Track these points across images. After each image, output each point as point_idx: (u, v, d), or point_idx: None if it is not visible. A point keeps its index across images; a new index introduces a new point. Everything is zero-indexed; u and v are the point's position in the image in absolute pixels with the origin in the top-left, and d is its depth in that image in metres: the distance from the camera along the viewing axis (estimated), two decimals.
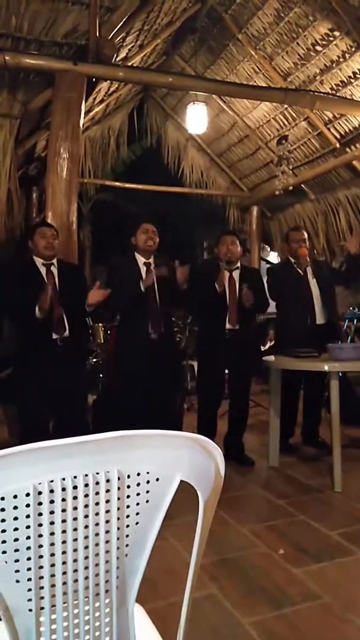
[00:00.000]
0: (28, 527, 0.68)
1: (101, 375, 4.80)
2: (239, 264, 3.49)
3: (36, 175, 5.66)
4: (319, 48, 4.73)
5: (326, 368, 2.97)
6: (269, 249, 8.39)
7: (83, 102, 3.85)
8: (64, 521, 0.70)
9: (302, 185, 6.34)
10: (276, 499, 2.85)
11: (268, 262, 8.22)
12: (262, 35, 5.02)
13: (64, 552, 0.72)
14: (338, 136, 5.48)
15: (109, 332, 5.18)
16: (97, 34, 3.76)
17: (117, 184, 7.18)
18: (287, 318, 3.70)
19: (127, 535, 0.76)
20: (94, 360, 5.02)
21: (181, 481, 0.78)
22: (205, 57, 5.79)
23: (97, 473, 0.71)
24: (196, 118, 5.57)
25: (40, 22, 3.79)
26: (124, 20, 3.95)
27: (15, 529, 0.68)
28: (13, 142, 4.42)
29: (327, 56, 4.74)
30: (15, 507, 0.67)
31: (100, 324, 5.25)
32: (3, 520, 0.67)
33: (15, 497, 0.66)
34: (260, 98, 5.20)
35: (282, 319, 3.84)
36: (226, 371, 3.56)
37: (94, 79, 4.07)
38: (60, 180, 3.73)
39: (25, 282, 3.00)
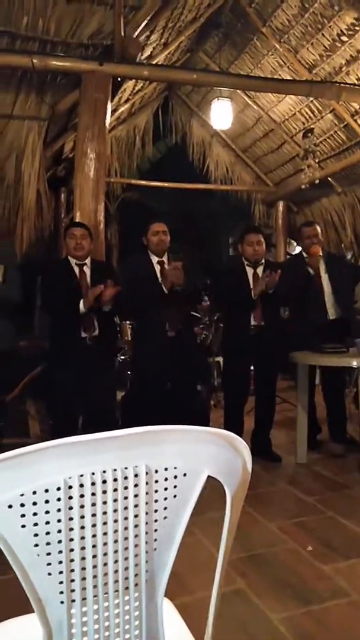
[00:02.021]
0: (59, 520, 0.70)
1: (129, 372, 4.84)
2: (263, 260, 3.46)
3: (64, 176, 5.74)
4: (344, 38, 4.64)
5: (354, 364, 2.93)
6: (295, 243, 8.30)
7: (109, 102, 3.89)
8: (93, 515, 0.72)
9: (329, 179, 6.24)
10: (304, 496, 2.83)
11: (292, 256, 8.13)
12: (287, 28, 4.95)
13: (94, 546, 0.74)
14: None
15: (132, 330, 5.21)
16: (122, 34, 3.78)
17: (143, 182, 7.22)
18: (299, 314, 3.63)
19: (155, 530, 0.78)
20: (122, 357, 5.07)
21: (209, 477, 0.79)
22: (230, 52, 5.76)
23: (126, 468, 0.72)
24: (221, 114, 5.55)
25: (66, 24, 3.84)
26: (148, 18, 3.97)
27: (47, 523, 0.70)
28: (41, 144, 4.49)
29: (353, 46, 4.65)
30: (47, 501, 0.69)
31: (128, 322, 5.30)
32: (35, 514, 0.69)
33: (46, 491, 0.68)
34: (285, 91, 5.15)
35: (295, 316, 3.78)
36: (252, 367, 3.55)
37: (119, 79, 4.11)
38: (87, 180, 3.77)
39: (59, 281, 3.07)
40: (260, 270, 3.41)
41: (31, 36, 3.82)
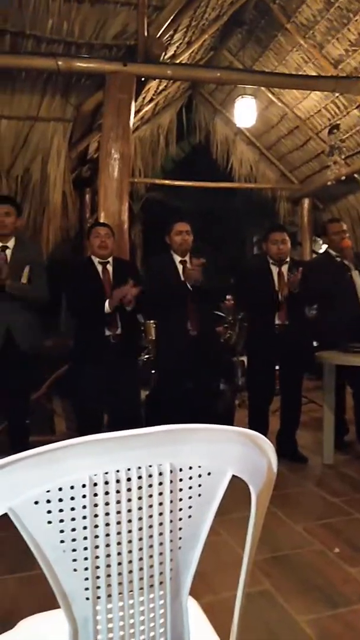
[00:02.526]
0: (84, 517, 0.71)
1: (153, 372, 4.86)
2: (288, 259, 3.43)
3: (89, 177, 5.79)
4: None
5: None
6: (321, 241, 8.19)
7: (133, 102, 3.91)
8: (118, 512, 0.72)
9: (355, 175, 6.13)
10: (331, 497, 2.79)
11: (319, 254, 8.03)
12: (311, 23, 4.89)
13: (118, 543, 0.74)
14: None
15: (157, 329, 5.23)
16: (146, 34, 3.80)
17: (167, 182, 7.23)
18: (329, 312, 3.57)
19: (180, 528, 0.77)
20: (146, 356, 5.09)
21: (234, 477, 0.78)
22: (254, 50, 5.72)
23: (150, 466, 0.72)
24: (245, 112, 5.51)
25: (90, 26, 3.87)
26: (171, 18, 3.97)
27: (72, 519, 0.70)
28: (67, 145, 4.54)
29: None
30: (72, 498, 0.69)
31: (152, 321, 5.32)
32: (61, 511, 0.69)
33: (72, 487, 0.69)
34: (310, 88, 5.09)
35: (324, 313, 3.72)
36: (277, 367, 3.51)
37: (143, 79, 4.12)
38: (112, 180, 3.80)
39: (82, 280, 3.11)
40: (285, 268, 3.38)
41: (56, 39, 3.87)
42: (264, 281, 3.35)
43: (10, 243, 3.00)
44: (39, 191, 4.60)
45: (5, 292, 2.85)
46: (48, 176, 4.55)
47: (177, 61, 5.09)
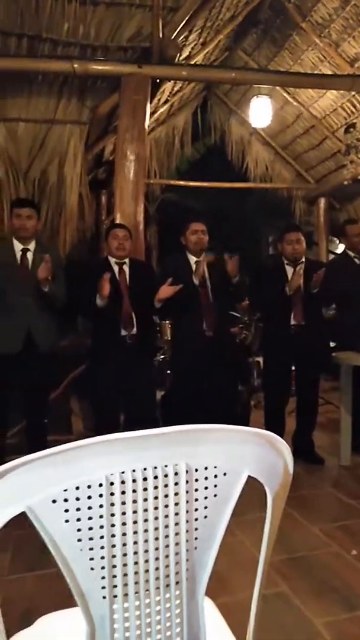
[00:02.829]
0: (101, 516, 0.72)
1: (168, 372, 4.87)
2: (303, 258, 3.41)
3: (105, 179, 5.82)
4: None
5: None
6: (337, 241, 8.11)
7: (148, 103, 3.92)
8: (134, 512, 0.73)
9: None
10: (348, 499, 2.77)
11: (337, 254, 7.95)
12: (327, 22, 4.85)
13: (135, 542, 0.75)
14: None
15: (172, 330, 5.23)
16: (161, 35, 3.81)
17: (182, 182, 7.23)
18: (349, 313, 3.54)
19: (196, 529, 0.78)
20: (162, 357, 5.10)
21: (250, 477, 0.78)
22: (269, 49, 5.69)
23: (166, 466, 0.73)
24: (260, 111, 5.49)
25: (105, 29, 3.89)
26: (186, 19, 3.97)
27: (89, 518, 0.71)
28: (83, 147, 4.57)
29: None
30: (89, 497, 0.70)
31: (167, 322, 5.33)
32: (78, 509, 0.70)
33: (89, 487, 0.69)
34: (326, 86, 5.05)
35: (344, 314, 3.69)
36: (293, 367, 3.49)
37: (158, 80, 4.13)
38: (127, 182, 3.82)
39: (97, 280, 3.13)
40: (300, 268, 3.36)
41: (72, 42, 3.90)
42: (279, 281, 3.33)
43: (31, 245, 3.04)
44: (55, 193, 4.63)
45: (27, 294, 2.90)
46: (65, 178, 4.58)
47: (192, 62, 5.10)
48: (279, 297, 3.30)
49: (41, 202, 4.54)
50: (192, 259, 3.28)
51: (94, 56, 4.00)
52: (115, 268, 3.18)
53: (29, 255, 3.02)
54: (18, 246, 3.02)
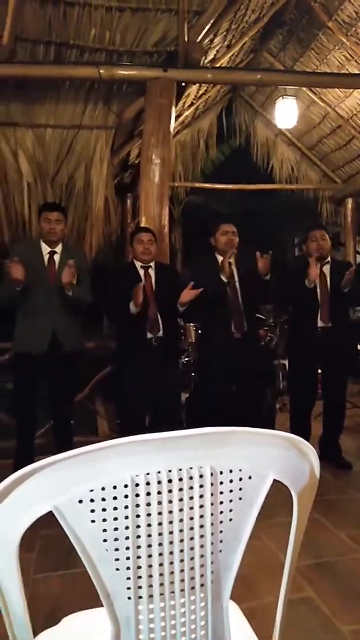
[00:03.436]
0: (126, 517, 0.72)
1: (193, 374, 4.86)
2: (329, 258, 3.37)
3: (130, 182, 5.87)
4: None
5: None
6: None
7: (173, 107, 3.94)
8: (159, 514, 0.73)
9: None
10: None
11: None
12: (354, 21, 4.79)
13: (160, 544, 0.75)
14: None
15: (200, 331, 5.23)
16: (186, 39, 3.82)
17: (207, 185, 7.23)
18: None
19: (220, 531, 0.78)
20: (186, 359, 5.10)
21: (276, 481, 0.78)
22: (295, 50, 5.66)
23: (191, 468, 0.73)
24: (286, 112, 5.45)
25: (131, 34, 3.93)
26: (211, 22, 3.98)
27: (115, 519, 0.72)
28: (109, 152, 4.62)
29: None
30: (115, 498, 0.71)
31: (191, 324, 5.33)
32: (104, 510, 0.71)
33: (114, 487, 0.70)
34: (353, 86, 4.98)
35: None
36: (319, 370, 3.45)
37: (183, 84, 4.15)
38: (152, 185, 3.84)
39: (124, 284, 3.16)
40: (326, 268, 3.32)
41: (98, 47, 3.95)
42: (304, 281, 3.29)
43: (58, 248, 3.09)
44: (82, 198, 4.69)
45: (53, 296, 2.94)
46: (91, 183, 4.64)
47: (217, 65, 5.10)
48: (305, 298, 3.27)
49: (68, 206, 4.61)
50: (220, 259, 3.28)
51: (120, 61, 4.04)
52: (141, 272, 3.21)
53: (56, 257, 3.07)
54: (45, 249, 3.07)
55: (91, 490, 0.69)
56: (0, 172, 4.39)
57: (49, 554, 2.22)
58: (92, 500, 0.70)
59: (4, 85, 3.94)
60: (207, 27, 3.97)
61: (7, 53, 3.64)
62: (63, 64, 3.92)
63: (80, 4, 3.65)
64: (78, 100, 4.29)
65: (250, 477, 0.76)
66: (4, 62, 3.66)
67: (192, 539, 0.76)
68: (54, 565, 2.14)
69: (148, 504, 0.72)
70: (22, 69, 3.79)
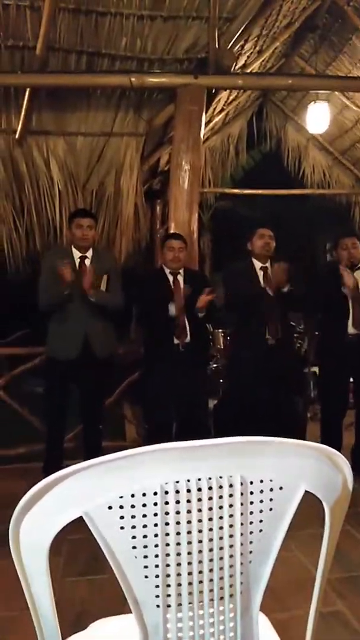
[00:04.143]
0: (155, 525, 0.72)
1: (221, 381, 4.84)
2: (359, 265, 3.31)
3: (160, 189, 5.90)
4: None
5: None
6: None
7: (203, 113, 3.94)
8: (189, 522, 0.73)
9: None
10: None
11: None
12: None
13: (189, 553, 0.74)
14: None
15: (228, 337, 5.21)
16: (217, 46, 3.83)
17: (236, 190, 7.21)
18: None
19: (250, 542, 0.77)
20: (214, 365, 5.08)
21: (308, 493, 0.76)
22: (327, 54, 5.60)
23: (221, 477, 0.72)
24: (317, 117, 5.39)
25: (162, 42, 3.96)
26: (242, 28, 3.98)
27: (144, 526, 0.72)
28: (139, 158, 4.66)
29: None
30: (144, 505, 0.71)
31: (220, 330, 5.31)
32: (133, 517, 0.71)
33: (144, 495, 0.70)
34: None
35: None
36: (351, 379, 3.38)
37: (213, 90, 4.15)
38: (182, 191, 3.85)
39: (153, 290, 3.17)
40: (358, 274, 3.26)
41: (129, 56, 3.99)
42: (335, 289, 3.24)
43: (89, 254, 3.13)
44: (112, 204, 4.75)
45: (84, 301, 2.98)
46: (121, 189, 4.69)
47: (248, 70, 5.09)
48: (335, 304, 3.22)
49: (98, 213, 4.67)
50: (258, 264, 3.26)
51: (151, 69, 4.07)
52: (170, 278, 3.21)
53: (87, 262, 3.10)
54: (76, 254, 3.11)
55: (121, 497, 0.69)
56: (32, 180, 4.48)
57: (77, 558, 2.23)
58: (121, 507, 0.70)
59: (37, 95, 4.02)
60: (238, 33, 3.98)
61: (40, 63, 3.71)
62: (95, 73, 3.98)
63: (112, 14, 3.70)
64: (109, 108, 4.35)
65: (281, 488, 0.75)
66: (38, 72, 3.74)
67: (221, 548, 0.75)
68: (82, 570, 2.15)
69: (177, 512, 0.71)
70: (54, 78, 3.86)
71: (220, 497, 0.73)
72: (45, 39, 3.57)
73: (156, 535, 0.72)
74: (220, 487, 0.72)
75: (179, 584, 0.75)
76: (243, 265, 3.35)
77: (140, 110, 4.41)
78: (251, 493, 0.74)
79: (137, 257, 5.31)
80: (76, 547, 2.15)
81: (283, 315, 3.24)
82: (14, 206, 4.54)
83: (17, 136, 4.23)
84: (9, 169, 4.42)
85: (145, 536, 0.72)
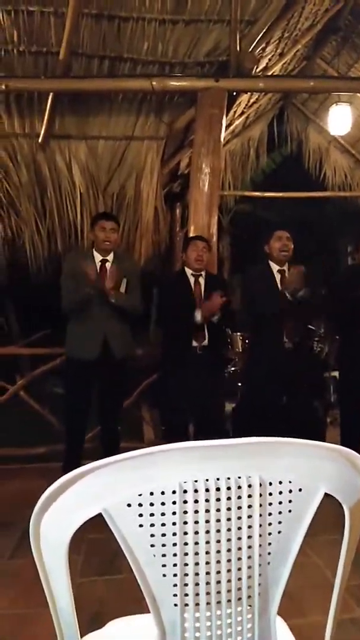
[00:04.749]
0: (174, 523, 0.72)
1: (240, 384, 4.82)
2: None
3: (180, 192, 5.92)
4: None
5: None
6: None
7: (224, 116, 3.95)
8: (207, 522, 0.73)
9: None
10: None
11: None
12: None
13: (207, 552, 0.74)
14: None
15: (247, 341, 5.18)
16: (238, 49, 3.83)
17: (257, 193, 7.19)
18: None
19: (269, 544, 0.76)
20: (233, 368, 5.06)
21: (327, 496, 0.75)
22: (349, 56, 5.55)
23: (239, 477, 0.72)
24: (339, 119, 5.36)
25: (184, 45, 3.98)
26: (264, 31, 3.97)
27: (163, 525, 0.72)
28: (159, 162, 4.68)
29: None
30: (163, 503, 0.71)
31: (239, 334, 5.29)
32: (152, 515, 0.71)
33: (162, 493, 0.70)
34: None
35: None
36: None
37: (234, 93, 4.15)
38: (202, 194, 3.86)
39: (175, 292, 3.18)
40: None
41: (151, 60, 4.02)
42: (356, 292, 3.21)
43: (110, 257, 3.16)
44: (132, 207, 4.77)
45: (104, 302, 3.00)
46: (141, 193, 4.71)
47: (270, 73, 5.08)
48: (356, 308, 3.18)
49: (119, 216, 4.70)
50: (275, 267, 3.24)
51: (172, 72, 4.09)
52: (191, 280, 3.22)
53: (107, 265, 3.13)
54: (97, 257, 3.14)
55: (140, 495, 0.70)
56: (54, 183, 4.53)
57: (95, 558, 2.24)
58: (140, 505, 0.70)
59: (59, 100, 4.08)
60: (260, 36, 3.97)
61: (63, 68, 3.76)
62: (117, 77, 4.02)
63: (134, 18, 3.73)
64: (130, 112, 4.38)
65: (300, 490, 0.74)
66: (61, 76, 3.79)
67: (239, 549, 0.75)
68: (100, 570, 2.16)
69: (196, 512, 0.72)
70: (77, 83, 3.91)
71: (239, 497, 0.73)
72: (68, 44, 3.61)
73: (174, 534, 0.72)
74: (239, 487, 0.72)
75: (197, 584, 0.75)
76: (260, 268, 3.33)
77: (161, 114, 4.42)
78: (270, 494, 0.74)
79: (156, 260, 5.33)
80: (95, 547, 2.16)
81: (301, 319, 3.21)
82: (36, 209, 4.60)
83: (40, 140, 4.29)
84: (32, 172, 4.48)
85: (163, 535, 0.72)
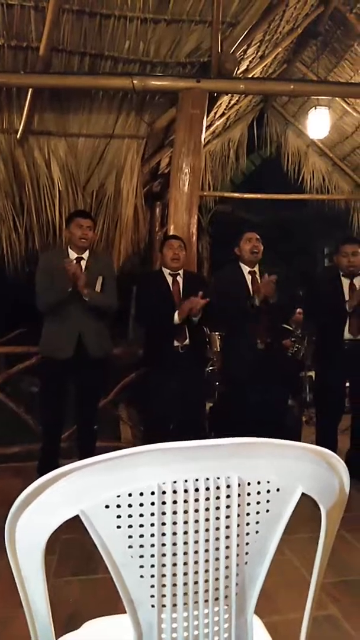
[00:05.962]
0: (152, 524, 0.72)
1: (217, 384, 4.85)
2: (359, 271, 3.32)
3: (159, 191, 5.91)
4: None
5: None
6: None
7: (205, 117, 3.96)
8: (185, 522, 0.73)
9: None
10: None
11: None
12: None
13: (185, 553, 0.75)
14: None
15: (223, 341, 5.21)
16: (219, 50, 3.85)
17: (236, 194, 7.24)
18: None
19: (247, 543, 0.77)
20: (211, 368, 5.08)
21: (304, 495, 0.76)
22: (328, 60, 5.63)
23: (218, 478, 0.72)
24: (318, 123, 5.43)
25: (165, 45, 3.98)
26: (245, 33, 3.99)
27: (141, 526, 0.72)
28: (139, 161, 4.67)
29: None
30: (141, 505, 0.71)
31: (217, 333, 5.32)
32: (130, 516, 0.71)
33: (141, 494, 0.70)
34: None
35: None
36: (347, 383, 3.39)
37: (215, 94, 4.17)
38: (182, 194, 3.86)
39: (153, 291, 3.18)
40: (358, 281, 3.27)
41: (132, 59, 4.00)
42: (335, 294, 3.26)
43: (85, 255, 3.13)
44: (112, 206, 4.75)
45: (79, 301, 2.97)
46: (121, 191, 4.69)
47: (250, 75, 5.11)
48: (334, 310, 3.23)
49: (98, 214, 4.67)
50: (246, 269, 3.26)
51: (153, 72, 4.08)
52: (169, 279, 3.22)
53: (83, 263, 3.10)
54: (73, 255, 3.11)
55: (118, 496, 0.69)
56: (32, 180, 4.48)
57: (71, 558, 2.22)
58: (118, 506, 0.70)
59: (39, 95, 4.03)
60: (241, 38, 3.99)
61: (44, 64, 3.72)
62: (97, 75, 3.99)
63: (115, 16, 3.71)
64: (111, 110, 4.36)
65: (278, 490, 0.75)
66: (40, 72, 3.75)
67: (217, 549, 0.75)
68: (74, 570, 2.15)
69: (174, 512, 0.72)
70: (57, 79, 3.87)
71: (217, 497, 0.73)
72: (49, 39, 3.57)
73: (152, 535, 0.72)
74: (218, 487, 0.72)
75: (174, 584, 0.75)
76: (231, 270, 3.35)
77: (142, 113, 4.41)
78: (248, 494, 0.74)
79: (135, 259, 5.32)
80: (69, 547, 2.15)
81: (272, 321, 3.23)
82: (14, 206, 4.54)
83: (18, 136, 4.23)
84: (9, 168, 4.42)
85: (141, 536, 0.72)
